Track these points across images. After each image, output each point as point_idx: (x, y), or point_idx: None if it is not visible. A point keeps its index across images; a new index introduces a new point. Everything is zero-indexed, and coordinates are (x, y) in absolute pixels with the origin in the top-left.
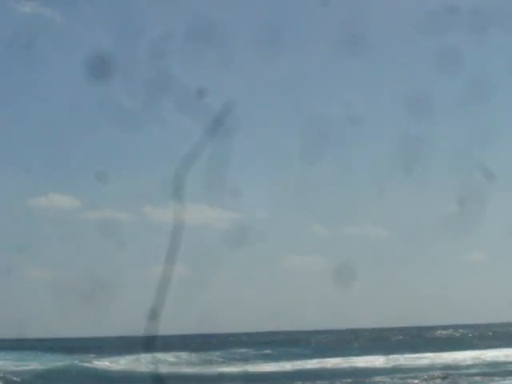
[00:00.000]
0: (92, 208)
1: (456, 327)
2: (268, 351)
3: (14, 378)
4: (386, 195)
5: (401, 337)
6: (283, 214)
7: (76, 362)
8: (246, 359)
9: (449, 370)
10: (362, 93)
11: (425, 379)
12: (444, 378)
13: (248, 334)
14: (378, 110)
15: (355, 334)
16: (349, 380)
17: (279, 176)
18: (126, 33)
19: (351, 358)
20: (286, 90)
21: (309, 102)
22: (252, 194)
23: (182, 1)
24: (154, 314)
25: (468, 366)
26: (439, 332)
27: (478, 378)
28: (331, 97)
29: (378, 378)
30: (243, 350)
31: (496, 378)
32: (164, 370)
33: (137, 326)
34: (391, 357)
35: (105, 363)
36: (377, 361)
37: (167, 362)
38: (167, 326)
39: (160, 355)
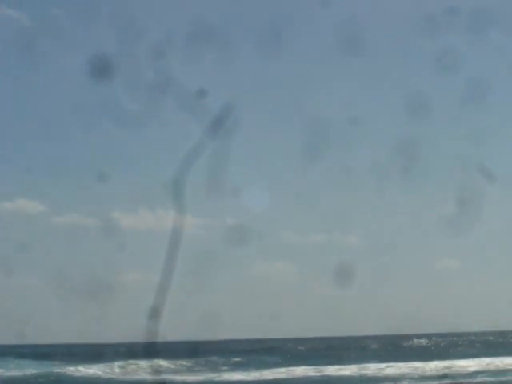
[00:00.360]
0: (60, 213)
1: (430, 336)
2: (238, 359)
3: None
4: (376, 200)
5: (375, 345)
6: (266, 218)
7: (49, 369)
8: (214, 367)
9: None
10: (361, 94)
11: None
12: None
13: (220, 342)
14: (377, 110)
15: (329, 342)
16: None
17: (272, 179)
18: (128, 34)
19: (321, 366)
20: (286, 91)
21: (308, 103)
22: (228, 198)
23: (183, 2)
24: (153, 320)
25: (437, 377)
26: (414, 341)
27: None
28: (330, 98)
29: None
30: (214, 358)
31: None
32: (128, 377)
33: (119, 333)
34: (362, 366)
35: (77, 369)
36: (347, 370)
37: (140, 369)
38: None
39: (132, 362)
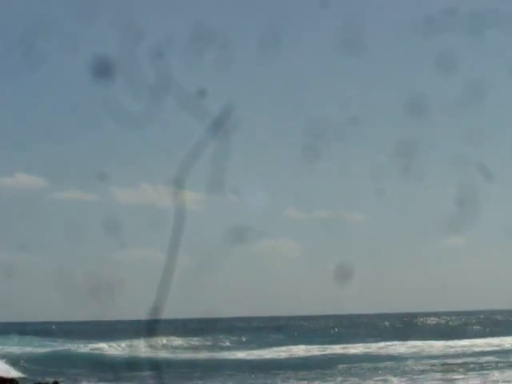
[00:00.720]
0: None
1: (439, 314)
2: (244, 337)
3: None
4: (376, 187)
5: (384, 324)
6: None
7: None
8: (217, 345)
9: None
10: (360, 93)
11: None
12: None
13: (227, 320)
14: (377, 110)
15: (338, 320)
16: (309, 370)
17: (271, 179)
18: (129, 35)
19: (326, 345)
20: (286, 91)
21: (308, 103)
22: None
23: (184, 3)
24: (157, 305)
25: (441, 356)
26: (423, 319)
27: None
28: (330, 97)
29: (341, 366)
30: (220, 336)
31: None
32: (132, 354)
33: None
34: (368, 345)
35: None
36: (352, 348)
37: (144, 346)
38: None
39: (138, 339)
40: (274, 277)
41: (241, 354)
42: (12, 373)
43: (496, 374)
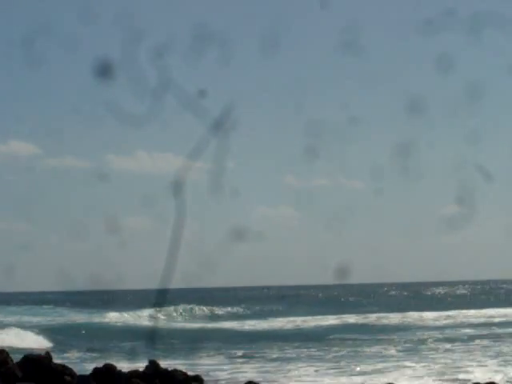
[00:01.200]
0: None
1: (448, 284)
2: (240, 307)
3: None
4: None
5: (392, 293)
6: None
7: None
8: (213, 315)
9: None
10: (360, 94)
11: None
12: None
13: (221, 289)
14: (377, 111)
15: (339, 289)
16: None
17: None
18: (129, 35)
19: (324, 315)
20: (286, 91)
21: (308, 103)
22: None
23: (184, 4)
24: (163, 277)
25: (436, 327)
26: (433, 289)
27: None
28: (330, 98)
29: (338, 336)
30: (218, 306)
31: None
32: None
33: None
34: (368, 315)
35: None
36: (351, 318)
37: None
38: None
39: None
40: (273, 245)
41: (237, 324)
42: (45, 343)
43: (495, 345)
